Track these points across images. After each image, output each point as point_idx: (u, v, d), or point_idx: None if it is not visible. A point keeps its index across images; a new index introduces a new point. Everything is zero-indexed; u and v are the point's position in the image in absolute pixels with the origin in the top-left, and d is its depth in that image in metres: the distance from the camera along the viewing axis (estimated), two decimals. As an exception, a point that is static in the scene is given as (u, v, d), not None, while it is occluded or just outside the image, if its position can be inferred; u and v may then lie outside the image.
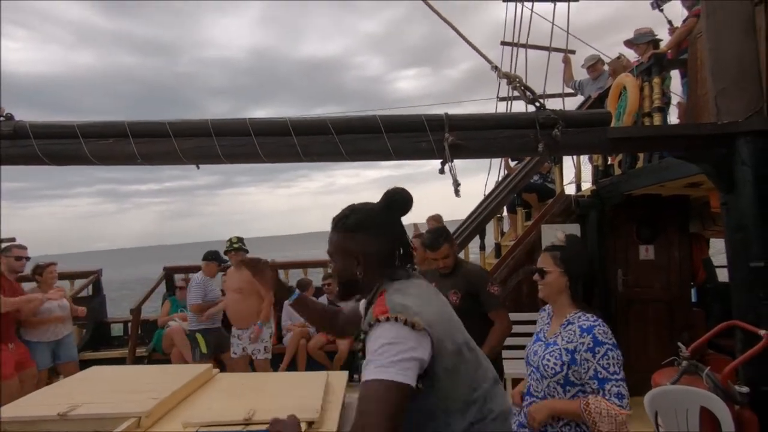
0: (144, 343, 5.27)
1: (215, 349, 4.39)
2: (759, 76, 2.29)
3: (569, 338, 1.65)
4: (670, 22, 4.16)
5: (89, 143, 2.06)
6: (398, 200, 1.21)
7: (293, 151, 2.08)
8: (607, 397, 1.54)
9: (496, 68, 2.17)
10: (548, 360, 1.66)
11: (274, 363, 4.84)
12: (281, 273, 5.77)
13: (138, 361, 4.96)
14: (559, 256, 1.75)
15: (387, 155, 2.10)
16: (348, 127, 2.10)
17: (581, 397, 1.60)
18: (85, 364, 3.69)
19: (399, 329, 1.00)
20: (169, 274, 5.72)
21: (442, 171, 2.15)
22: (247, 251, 4.19)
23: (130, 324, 5.27)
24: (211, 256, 4.39)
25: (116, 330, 5.79)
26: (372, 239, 1.19)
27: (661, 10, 4.13)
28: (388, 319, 1.01)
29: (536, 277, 1.80)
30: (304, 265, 5.86)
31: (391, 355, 0.97)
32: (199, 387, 2.52)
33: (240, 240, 4.16)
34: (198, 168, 2.14)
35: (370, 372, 0.97)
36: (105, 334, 5.69)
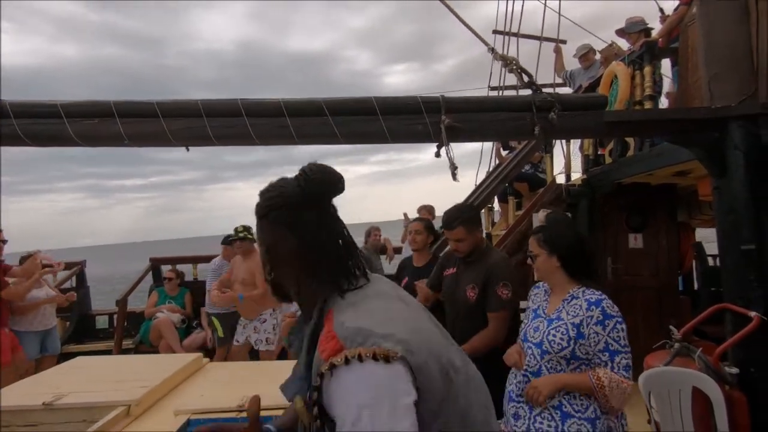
0: (130, 336, 5.17)
1: (232, 333, 4.36)
2: (751, 61, 2.31)
3: (575, 312, 1.64)
4: (661, 10, 4.19)
5: (73, 123, 1.98)
6: (314, 179, 0.86)
7: (286, 133, 2.02)
8: (615, 370, 1.56)
9: (492, 50, 2.14)
10: (554, 336, 1.64)
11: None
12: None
13: (124, 353, 4.87)
14: (542, 237, 1.77)
15: (383, 138, 2.06)
16: (343, 108, 2.05)
17: (588, 370, 1.60)
18: (69, 358, 3.61)
19: (371, 374, 0.71)
20: (155, 265, 5.62)
21: (438, 154, 2.13)
22: (253, 240, 4.13)
23: (115, 316, 5.17)
24: (230, 240, 4.42)
25: (101, 322, 5.68)
26: (282, 233, 0.86)
27: None
28: (348, 362, 0.71)
29: (529, 261, 1.83)
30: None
31: (380, 405, 0.69)
32: (189, 376, 2.47)
33: (246, 228, 4.06)
34: (188, 150, 2.07)
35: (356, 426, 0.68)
36: (89, 326, 5.58)
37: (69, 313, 5.29)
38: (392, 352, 0.72)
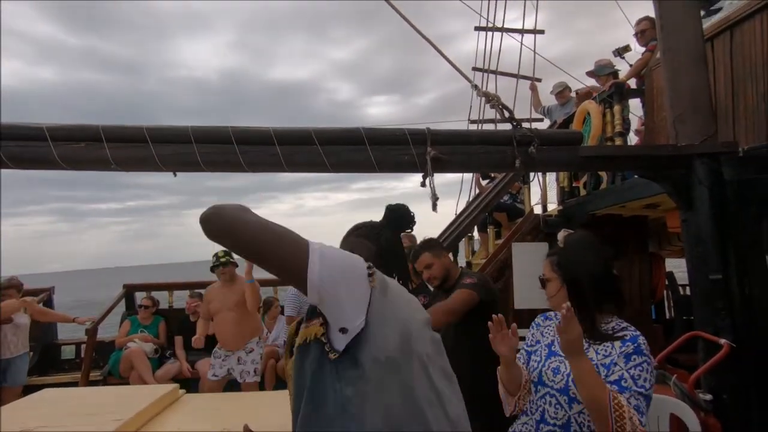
0: (98, 367, 4.93)
1: None
2: (711, 104, 2.50)
3: (606, 351, 1.40)
4: (630, 65, 4.46)
5: (59, 146, 1.96)
6: (396, 213, 1.23)
7: (276, 161, 2.06)
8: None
9: (475, 87, 2.26)
10: None
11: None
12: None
13: (92, 385, 4.62)
14: (556, 260, 1.55)
15: (370, 167, 2.12)
16: (332, 138, 2.11)
17: (609, 386, 1.31)
18: (31, 390, 3.41)
19: (357, 261, 0.94)
20: (129, 292, 5.43)
21: (423, 184, 2.19)
22: (235, 264, 4.01)
23: (83, 346, 4.93)
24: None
25: (67, 352, 5.40)
26: (362, 244, 1.17)
27: (623, 58, 4.45)
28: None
29: (540, 287, 1.59)
30: (274, 283, 5.72)
31: (330, 251, 0.91)
32: (165, 408, 2.38)
33: (227, 253, 3.91)
34: (175, 175, 2.08)
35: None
36: (55, 356, 5.30)
37: (33, 343, 5.02)
38: (372, 279, 0.94)
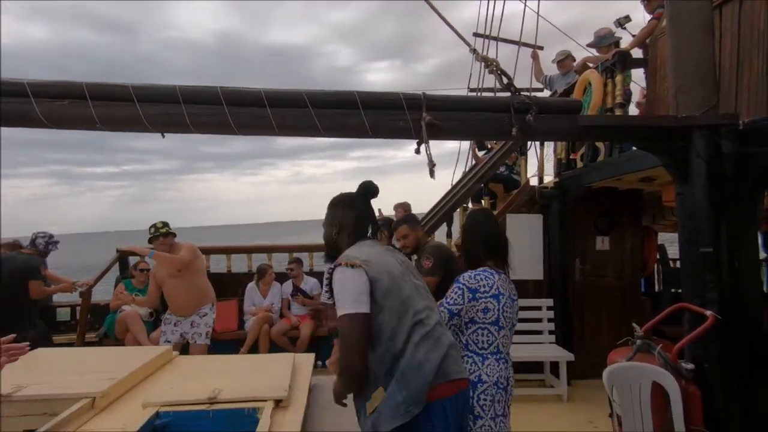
0: (93, 329, 4.99)
1: None
2: (715, 75, 2.44)
3: None
4: (634, 36, 4.32)
5: (42, 104, 1.89)
6: (366, 188, 1.76)
7: (267, 123, 2.00)
8: None
9: (474, 51, 2.18)
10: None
11: (235, 348, 4.72)
12: (244, 257, 5.60)
13: (88, 346, 4.69)
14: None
15: (364, 132, 2.07)
16: (325, 101, 2.05)
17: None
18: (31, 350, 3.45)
19: (344, 271, 1.51)
20: (123, 256, 5.43)
21: (418, 151, 2.15)
22: (174, 234, 3.87)
23: (78, 308, 4.96)
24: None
25: (62, 314, 5.44)
26: (345, 212, 1.73)
27: (624, 28, 4.29)
28: (338, 265, 1.54)
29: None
30: (267, 249, 5.74)
31: (348, 294, 1.48)
32: (158, 368, 2.42)
33: (165, 224, 3.84)
34: (163, 137, 2.02)
35: (339, 310, 1.49)
36: (50, 318, 5.34)
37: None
38: (355, 263, 1.52)
